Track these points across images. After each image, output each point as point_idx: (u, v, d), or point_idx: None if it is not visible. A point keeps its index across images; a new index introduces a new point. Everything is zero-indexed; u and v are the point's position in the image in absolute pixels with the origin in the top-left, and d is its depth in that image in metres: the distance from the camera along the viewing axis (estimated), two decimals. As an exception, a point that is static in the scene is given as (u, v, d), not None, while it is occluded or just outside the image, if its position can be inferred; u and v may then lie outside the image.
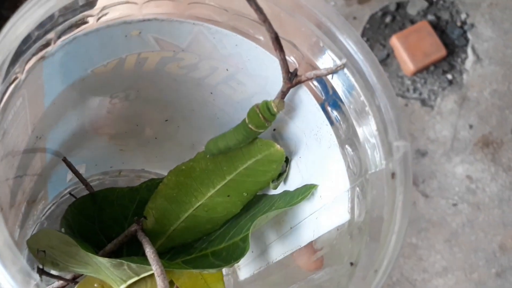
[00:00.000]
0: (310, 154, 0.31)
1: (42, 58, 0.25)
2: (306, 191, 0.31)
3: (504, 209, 0.95)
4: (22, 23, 0.22)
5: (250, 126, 0.29)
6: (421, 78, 1.00)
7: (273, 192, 0.35)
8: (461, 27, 0.77)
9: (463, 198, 0.95)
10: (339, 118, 0.27)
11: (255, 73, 0.30)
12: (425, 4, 0.91)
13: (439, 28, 0.92)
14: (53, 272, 0.40)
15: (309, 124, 0.30)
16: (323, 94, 0.28)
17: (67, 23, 0.24)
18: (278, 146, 0.30)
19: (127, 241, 0.37)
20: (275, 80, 0.29)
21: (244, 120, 0.30)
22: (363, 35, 1.02)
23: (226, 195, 0.35)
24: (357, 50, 0.25)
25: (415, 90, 0.94)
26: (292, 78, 0.28)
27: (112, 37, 0.27)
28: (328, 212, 0.29)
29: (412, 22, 0.94)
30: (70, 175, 0.40)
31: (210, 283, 0.36)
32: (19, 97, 0.25)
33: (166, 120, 0.37)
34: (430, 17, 0.89)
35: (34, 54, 0.24)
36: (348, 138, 0.27)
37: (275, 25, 0.26)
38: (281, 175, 0.33)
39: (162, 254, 0.37)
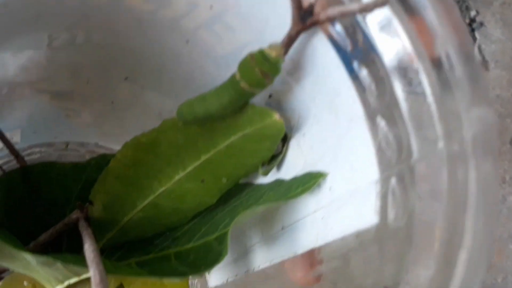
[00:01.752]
0: (319, 131, 0.22)
1: None
2: (310, 180, 0.22)
3: (494, 222, 0.87)
4: None
5: (241, 84, 0.20)
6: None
7: (261, 180, 0.27)
8: (470, 24, 0.69)
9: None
10: (370, 79, 0.19)
11: (250, 14, 0.21)
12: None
13: (444, 22, 0.84)
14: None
15: (322, 87, 0.21)
16: (348, 43, 0.19)
17: None
18: (277, 116, 0.22)
19: (69, 231, 0.28)
20: (278, 24, 0.21)
21: (233, 76, 0.21)
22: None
23: (200, 180, 0.26)
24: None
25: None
26: (305, 17, 0.19)
27: None
28: (342, 212, 0.20)
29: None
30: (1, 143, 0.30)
31: (172, 293, 0.27)
32: None
33: (126, 78, 0.27)
34: (435, 8, 0.81)
35: None
36: (382, 108, 0.18)
37: None
38: (275, 158, 0.24)
39: (112, 250, 0.28)
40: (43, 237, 0.28)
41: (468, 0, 0.80)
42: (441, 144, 0.16)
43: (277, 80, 0.21)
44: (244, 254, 0.29)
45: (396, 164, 0.18)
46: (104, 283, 0.20)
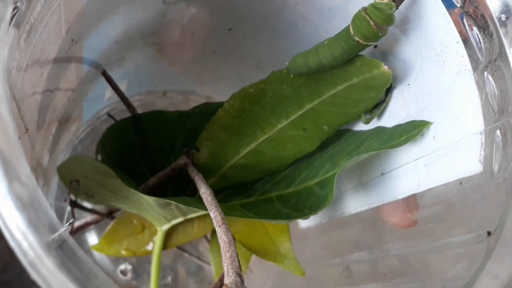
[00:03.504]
0: (424, 82, 0.24)
1: None
2: (414, 129, 0.25)
3: None
4: None
5: (356, 38, 0.23)
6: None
7: (361, 127, 0.29)
8: None
9: None
10: (479, 35, 0.21)
11: (359, -30, 0.24)
12: None
13: None
14: (87, 204, 0.36)
15: (429, 41, 0.23)
16: (459, 0, 0.21)
17: None
18: (385, 67, 0.24)
19: (174, 175, 0.32)
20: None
21: (346, 31, 0.23)
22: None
23: (301, 129, 0.29)
24: None
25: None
26: (417, -24, 0.21)
27: None
28: (446, 160, 0.23)
29: None
30: (109, 92, 0.35)
31: (272, 234, 0.31)
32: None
33: (229, 29, 0.30)
34: None
35: None
36: (490, 63, 0.21)
37: None
38: (378, 107, 0.27)
39: (215, 193, 0.32)
40: (152, 180, 0.32)
41: None
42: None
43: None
44: (338, 198, 0.32)
45: (500, 116, 0.20)
46: (226, 225, 0.24)
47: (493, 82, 0.21)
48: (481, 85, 0.21)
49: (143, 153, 0.34)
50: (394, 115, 0.27)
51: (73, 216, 0.32)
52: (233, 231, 0.31)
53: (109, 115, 0.34)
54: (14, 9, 0.16)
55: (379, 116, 0.28)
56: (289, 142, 0.29)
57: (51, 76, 0.24)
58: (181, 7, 0.28)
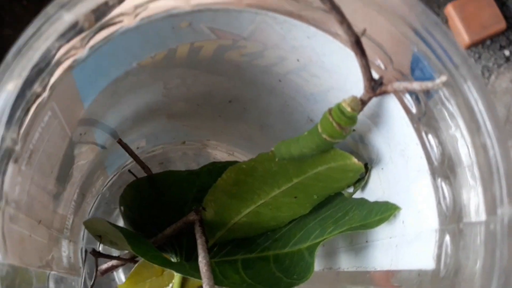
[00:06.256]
0: (394, 170, 0.26)
1: (70, 67, 0.21)
2: (387, 211, 0.26)
3: None
4: (39, 37, 0.19)
5: (323, 136, 0.25)
6: (475, 53, 0.89)
7: (349, 189, 0.31)
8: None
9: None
10: (433, 142, 0.22)
11: (332, 69, 0.26)
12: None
13: (499, -2, 0.79)
14: (114, 249, 0.40)
15: (395, 137, 0.25)
16: (415, 108, 0.23)
17: (96, 27, 0.21)
18: (355, 160, 0.26)
19: (187, 227, 0.35)
20: (358, 79, 0.25)
21: (316, 128, 0.25)
22: None
23: (293, 196, 0.31)
24: (461, 66, 0.20)
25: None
26: (375, 87, 0.23)
27: (157, 31, 0.24)
28: (410, 247, 0.25)
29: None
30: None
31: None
32: (46, 111, 0.22)
33: (229, 101, 0.33)
34: (493, -16, 0.76)
35: (57, 66, 0.21)
36: (441, 169, 0.22)
37: (358, 20, 0.21)
38: (359, 182, 0.29)
39: (222, 245, 0.35)
40: (167, 231, 0.35)
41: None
42: (481, 217, 0.20)
43: (360, 120, 0.25)
44: (333, 252, 0.34)
45: (450, 222, 0.22)
46: (214, 295, 0.27)
47: (444, 187, 0.22)
48: (436, 187, 0.23)
49: (159, 207, 0.37)
50: (373, 192, 0.28)
51: (97, 267, 0.36)
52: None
53: (130, 171, 0.38)
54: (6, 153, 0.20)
55: (362, 188, 0.29)
56: (284, 206, 0.32)
57: (63, 165, 0.28)
58: (182, 89, 0.30)
